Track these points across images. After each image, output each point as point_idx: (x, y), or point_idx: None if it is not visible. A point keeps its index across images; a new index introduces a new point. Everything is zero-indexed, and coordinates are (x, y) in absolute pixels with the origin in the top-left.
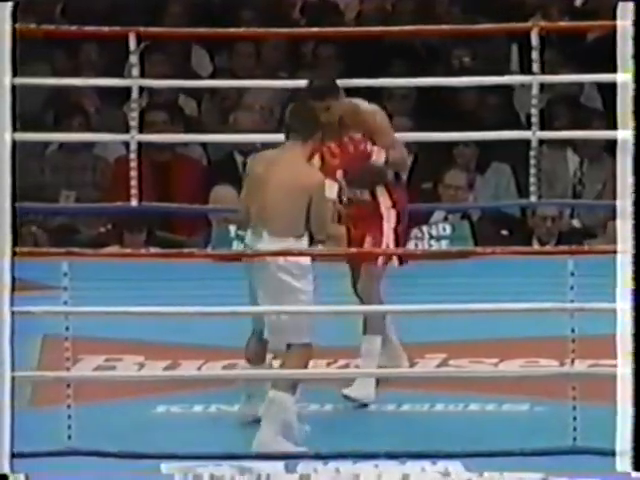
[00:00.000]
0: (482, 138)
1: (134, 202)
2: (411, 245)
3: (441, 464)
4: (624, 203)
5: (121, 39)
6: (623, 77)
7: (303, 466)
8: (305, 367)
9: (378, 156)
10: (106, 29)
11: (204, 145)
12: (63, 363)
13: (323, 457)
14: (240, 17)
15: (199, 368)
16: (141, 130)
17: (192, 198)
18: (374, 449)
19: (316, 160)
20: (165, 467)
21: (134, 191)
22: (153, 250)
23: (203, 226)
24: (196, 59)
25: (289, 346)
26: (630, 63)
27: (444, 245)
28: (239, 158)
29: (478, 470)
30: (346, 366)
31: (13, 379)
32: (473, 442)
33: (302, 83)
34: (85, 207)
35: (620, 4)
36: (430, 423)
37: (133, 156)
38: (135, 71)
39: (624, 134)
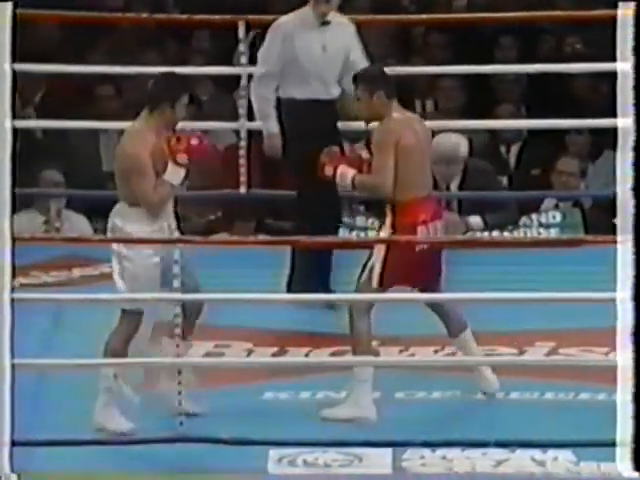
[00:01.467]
0: (593, 126)
1: (243, 189)
2: (520, 233)
3: (551, 453)
4: (624, 194)
5: (230, 28)
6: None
7: (410, 453)
8: None
9: (342, 177)
10: (216, 17)
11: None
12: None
13: (431, 445)
14: (351, 3)
15: (306, 355)
16: (251, 119)
17: None
18: (484, 437)
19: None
20: (273, 454)
21: (243, 178)
22: (261, 237)
23: None
24: None
25: None
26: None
27: (553, 233)
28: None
29: (589, 459)
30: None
31: (13, 367)
32: (584, 431)
33: None
34: (196, 195)
35: (620, 4)
36: (539, 411)
37: (243, 144)
38: (244, 59)
39: (624, 122)
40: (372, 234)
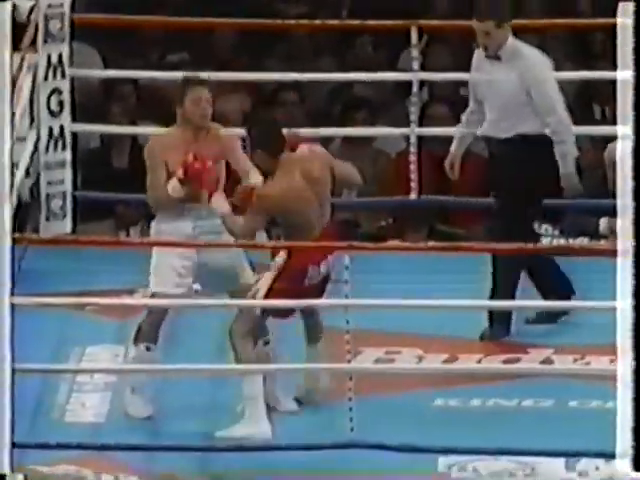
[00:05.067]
0: None
1: (413, 195)
2: None
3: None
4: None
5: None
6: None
7: (584, 463)
8: None
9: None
10: (389, 23)
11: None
12: (344, 355)
13: (603, 455)
14: (523, 7)
15: (479, 361)
16: (421, 124)
17: (472, 191)
18: None
19: None
20: (442, 461)
21: (414, 184)
22: (431, 244)
23: (482, 218)
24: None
25: None
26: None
27: None
28: None
29: None
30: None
31: (13, 371)
32: None
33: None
34: (367, 201)
35: (620, 4)
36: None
37: (413, 150)
38: (416, 65)
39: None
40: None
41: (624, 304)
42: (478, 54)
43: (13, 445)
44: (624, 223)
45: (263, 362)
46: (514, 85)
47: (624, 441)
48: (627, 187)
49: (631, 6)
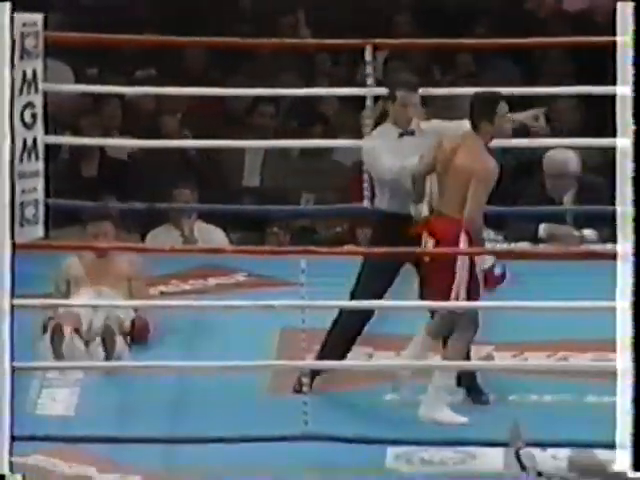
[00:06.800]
0: None
1: (366, 203)
2: None
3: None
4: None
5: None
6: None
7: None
8: None
9: None
10: (345, 41)
11: None
12: (298, 353)
13: (542, 445)
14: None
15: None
16: None
17: None
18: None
19: None
20: (391, 452)
21: (366, 193)
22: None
23: None
24: None
25: None
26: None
27: None
28: None
29: None
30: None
31: (13, 370)
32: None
33: None
34: (322, 208)
35: (619, 4)
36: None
37: None
38: (370, 80)
39: (623, 142)
40: None
41: (623, 304)
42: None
43: (13, 438)
44: (623, 230)
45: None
46: None
47: (623, 438)
48: (627, 193)
49: (630, 6)
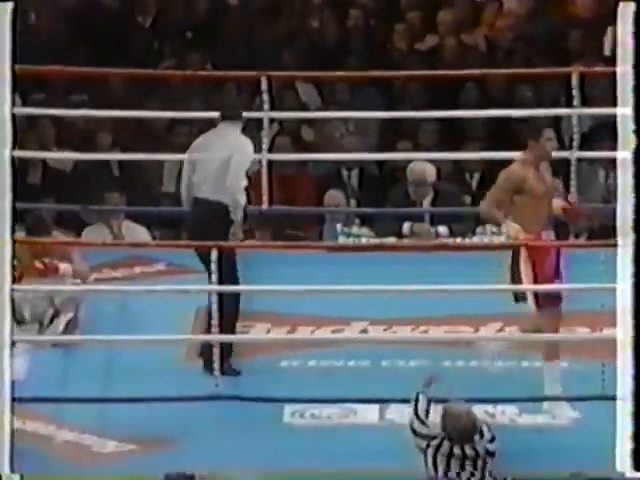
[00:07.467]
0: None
1: (265, 206)
2: (477, 239)
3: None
4: (625, 207)
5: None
6: (623, 110)
7: (392, 409)
8: None
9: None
10: (244, 73)
11: (318, 162)
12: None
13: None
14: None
15: (312, 332)
16: (271, 151)
17: (308, 202)
18: None
19: None
20: (288, 409)
21: (265, 197)
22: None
23: (318, 224)
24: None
25: None
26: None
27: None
28: (344, 173)
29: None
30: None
31: (13, 344)
32: None
33: None
34: None
35: (621, 4)
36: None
37: (264, 171)
38: (266, 106)
39: (623, 155)
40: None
41: (624, 286)
42: None
43: (13, 399)
44: (624, 224)
45: None
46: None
47: (624, 439)
48: (627, 195)
49: (632, 6)
